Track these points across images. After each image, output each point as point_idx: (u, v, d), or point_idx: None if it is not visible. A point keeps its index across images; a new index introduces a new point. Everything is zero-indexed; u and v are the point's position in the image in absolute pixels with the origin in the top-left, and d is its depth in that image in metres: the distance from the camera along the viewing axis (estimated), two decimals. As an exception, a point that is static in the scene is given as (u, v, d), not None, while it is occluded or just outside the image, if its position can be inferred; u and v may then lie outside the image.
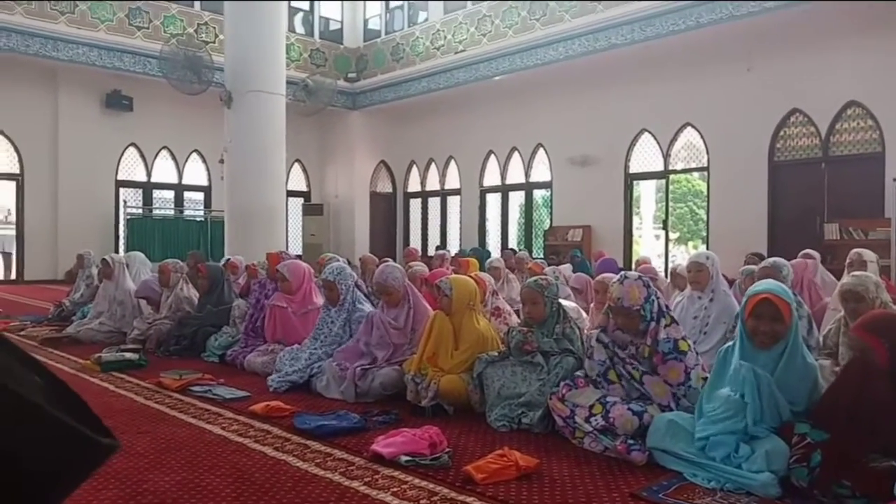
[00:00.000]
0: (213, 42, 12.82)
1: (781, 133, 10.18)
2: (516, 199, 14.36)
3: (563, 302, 4.86)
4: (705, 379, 3.04)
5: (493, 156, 14.23)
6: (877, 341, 2.47)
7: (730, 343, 2.83)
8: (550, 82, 12.18)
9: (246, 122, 9.56)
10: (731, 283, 5.32)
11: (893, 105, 8.94)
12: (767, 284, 2.83)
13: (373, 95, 15.07)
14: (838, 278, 5.23)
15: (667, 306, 3.20)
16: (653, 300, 3.03)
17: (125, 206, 13.87)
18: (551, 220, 13.30)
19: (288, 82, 10.34)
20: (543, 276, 3.87)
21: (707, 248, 9.95)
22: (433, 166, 15.57)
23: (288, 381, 4.14)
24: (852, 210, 9.31)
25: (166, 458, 2.87)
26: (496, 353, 3.61)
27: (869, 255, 5.21)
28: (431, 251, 13.40)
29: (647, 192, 15.98)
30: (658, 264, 11.02)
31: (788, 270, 4.09)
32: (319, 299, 4.95)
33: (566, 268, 7.88)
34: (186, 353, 5.29)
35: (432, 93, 13.74)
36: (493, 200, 14.60)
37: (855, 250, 5.30)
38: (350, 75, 15.15)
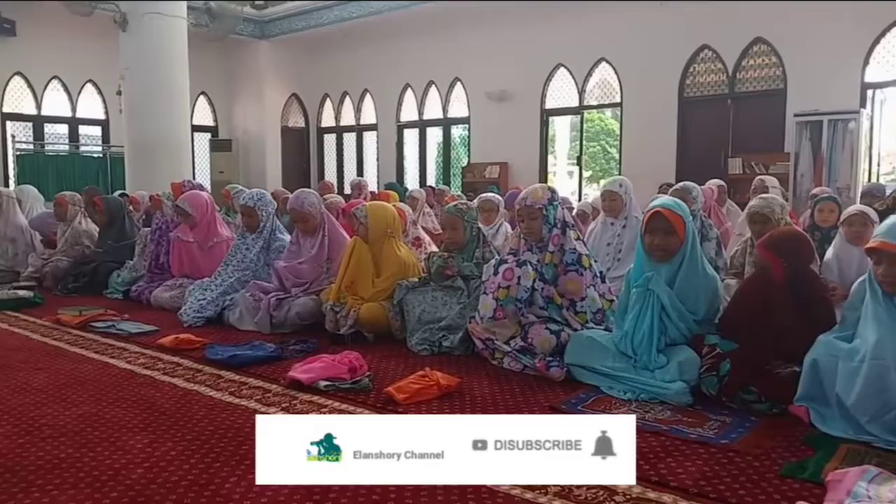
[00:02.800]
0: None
1: (691, 70, 10.39)
2: (434, 135, 14.16)
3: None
4: (612, 301, 3.11)
5: (409, 90, 13.90)
6: (775, 259, 2.59)
7: (633, 265, 2.88)
8: (468, 13, 11.89)
9: (144, 48, 8.88)
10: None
11: (796, 42, 9.25)
12: (662, 200, 2.88)
13: (282, 24, 14.31)
14: (742, 209, 5.46)
15: (573, 224, 3.25)
16: (556, 205, 3.14)
17: (13, 142, 12.80)
18: (469, 156, 13.24)
19: (189, 8, 9.66)
20: (463, 202, 3.82)
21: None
22: (348, 100, 15.09)
23: (203, 318, 3.97)
24: (755, 145, 9.68)
25: (67, 392, 2.70)
26: (416, 280, 3.57)
27: (772, 181, 5.46)
28: (348, 189, 13.12)
29: (561, 130, 16.12)
30: (572, 202, 11.22)
31: (698, 192, 4.20)
32: (224, 231, 4.78)
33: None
34: (87, 291, 5.02)
35: (345, 22, 13.16)
36: (411, 136, 14.35)
37: (759, 177, 5.54)
38: (257, 2, 14.31)
